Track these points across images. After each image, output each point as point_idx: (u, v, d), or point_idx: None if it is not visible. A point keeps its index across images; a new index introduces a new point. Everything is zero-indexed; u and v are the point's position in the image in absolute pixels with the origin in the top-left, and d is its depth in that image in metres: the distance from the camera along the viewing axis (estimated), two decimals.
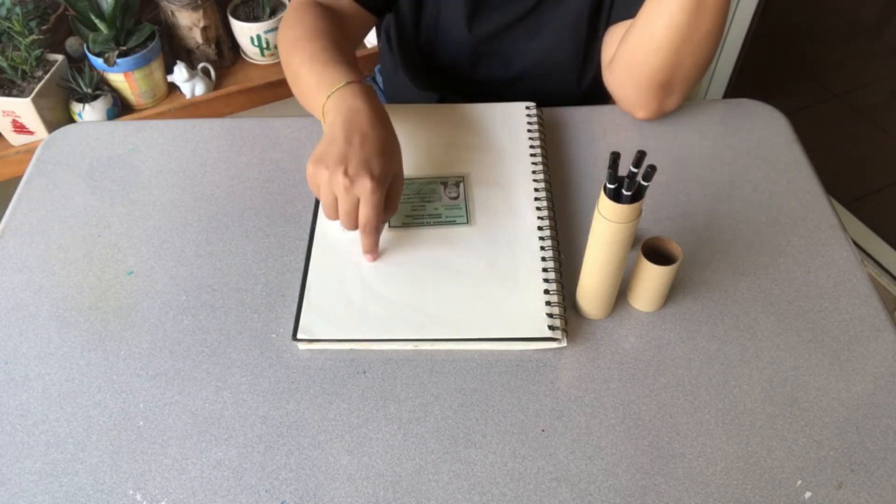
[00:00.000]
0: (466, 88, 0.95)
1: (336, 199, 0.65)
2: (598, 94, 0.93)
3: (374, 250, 0.69)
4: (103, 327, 0.67)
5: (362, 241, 0.68)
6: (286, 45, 0.78)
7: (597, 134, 0.84)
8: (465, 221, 0.73)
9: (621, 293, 0.68)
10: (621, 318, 0.67)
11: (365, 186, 0.63)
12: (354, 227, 0.66)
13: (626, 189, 0.55)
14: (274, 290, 0.69)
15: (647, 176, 0.54)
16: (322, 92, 0.70)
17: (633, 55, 0.77)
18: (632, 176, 0.55)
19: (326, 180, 0.64)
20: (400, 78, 0.99)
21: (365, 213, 0.65)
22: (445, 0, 0.87)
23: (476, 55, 0.91)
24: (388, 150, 0.67)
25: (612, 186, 0.55)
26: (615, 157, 0.55)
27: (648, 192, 0.76)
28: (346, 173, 0.63)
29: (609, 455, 0.58)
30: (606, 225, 0.57)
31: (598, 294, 0.64)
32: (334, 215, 0.66)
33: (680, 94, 0.81)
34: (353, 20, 0.84)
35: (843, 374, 0.63)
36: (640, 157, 0.55)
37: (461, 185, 0.76)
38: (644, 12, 0.75)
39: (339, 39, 0.77)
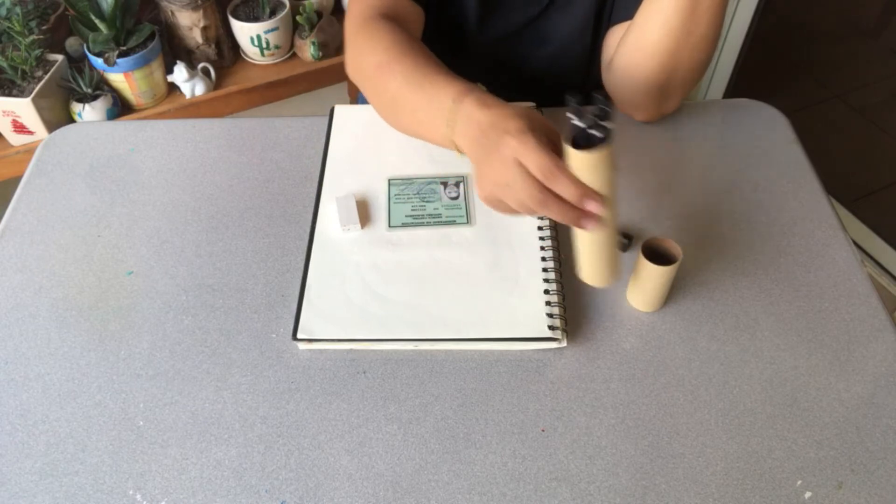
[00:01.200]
0: None
1: (522, 193, 0.56)
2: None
3: (588, 194, 0.55)
4: (103, 327, 0.67)
5: (566, 191, 0.55)
6: (371, 71, 0.72)
7: None
8: (466, 221, 0.73)
9: (622, 293, 0.68)
10: (621, 318, 0.67)
11: (510, 143, 0.56)
12: (546, 193, 0.55)
13: (589, 128, 0.52)
14: (274, 290, 0.69)
15: (606, 115, 0.51)
16: (441, 123, 0.65)
17: (629, 58, 0.77)
18: (588, 119, 0.52)
19: (492, 183, 0.58)
20: None
21: (531, 160, 0.55)
22: (455, 4, 0.86)
23: (485, 62, 0.91)
24: (519, 112, 0.60)
25: (573, 133, 0.52)
26: (577, 102, 0.52)
27: (648, 192, 0.76)
28: (496, 156, 0.57)
29: (609, 455, 0.58)
30: (581, 177, 0.54)
31: (593, 257, 0.60)
32: (540, 206, 0.56)
33: (678, 97, 0.81)
34: (414, 22, 0.80)
35: (843, 374, 0.63)
36: (587, 98, 0.52)
37: (461, 185, 0.76)
38: (640, 16, 0.74)
39: (423, 50, 0.72)
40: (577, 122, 0.52)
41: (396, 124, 0.75)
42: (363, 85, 0.76)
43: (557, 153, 0.56)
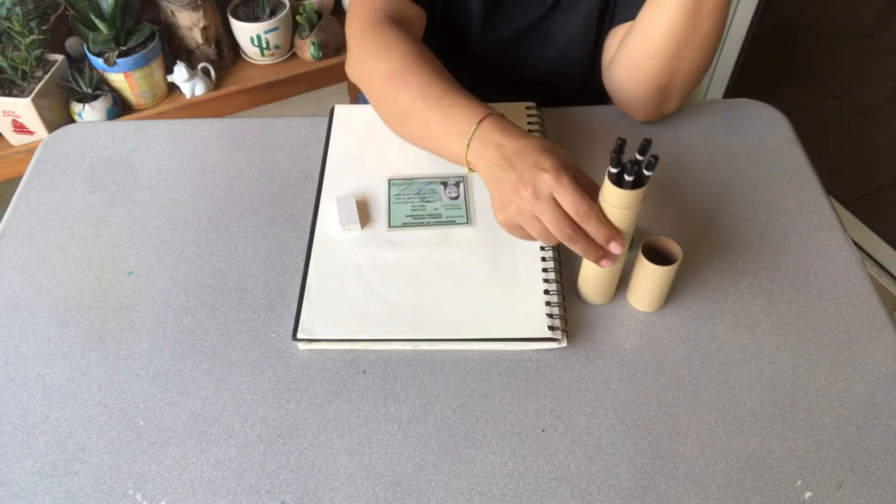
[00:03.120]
0: (469, 92, 0.95)
1: (542, 222, 0.61)
2: (599, 95, 0.93)
3: (614, 237, 0.59)
4: (103, 327, 0.67)
5: (597, 232, 0.59)
6: (381, 79, 0.72)
7: (597, 134, 0.84)
8: (466, 221, 0.73)
9: (622, 293, 0.68)
10: (621, 318, 0.67)
11: (546, 180, 0.59)
12: (576, 230, 0.60)
13: (629, 174, 0.56)
14: (274, 290, 0.69)
15: (651, 165, 0.55)
16: (456, 140, 0.66)
17: (631, 59, 0.77)
18: (635, 163, 0.56)
19: (517, 211, 0.61)
20: None
21: (567, 199, 0.59)
22: (458, 6, 0.86)
23: (487, 63, 0.91)
24: (546, 146, 0.63)
25: (614, 171, 0.57)
26: (621, 143, 0.56)
27: (649, 192, 0.76)
28: (526, 188, 0.60)
29: (609, 455, 0.58)
30: (609, 210, 0.58)
31: (599, 279, 0.65)
32: (555, 237, 0.61)
33: (678, 98, 0.81)
34: (416, 23, 0.80)
35: (843, 374, 0.63)
36: (646, 145, 0.56)
37: (461, 184, 0.76)
38: (642, 17, 0.74)
39: (436, 62, 0.72)
40: (620, 158, 0.56)
41: (402, 132, 0.75)
42: (370, 90, 0.75)
43: (583, 188, 0.60)
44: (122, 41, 1.42)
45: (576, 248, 0.60)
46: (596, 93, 0.93)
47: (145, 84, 1.48)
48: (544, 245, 0.70)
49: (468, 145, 0.66)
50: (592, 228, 0.59)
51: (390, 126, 0.76)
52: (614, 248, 0.60)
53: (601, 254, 0.60)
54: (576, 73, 0.91)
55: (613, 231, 0.59)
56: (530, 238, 0.64)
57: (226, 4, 1.56)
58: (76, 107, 1.43)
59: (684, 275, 0.70)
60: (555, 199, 0.60)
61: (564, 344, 0.64)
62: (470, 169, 0.68)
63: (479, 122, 0.65)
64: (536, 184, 0.60)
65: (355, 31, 0.76)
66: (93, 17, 1.36)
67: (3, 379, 0.63)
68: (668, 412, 0.60)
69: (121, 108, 1.50)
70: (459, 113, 0.67)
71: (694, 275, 0.70)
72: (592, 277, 0.65)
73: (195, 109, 1.54)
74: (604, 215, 0.59)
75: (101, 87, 1.45)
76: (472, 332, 0.64)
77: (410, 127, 0.72)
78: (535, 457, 0.58)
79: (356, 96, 1.16)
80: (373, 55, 0.73)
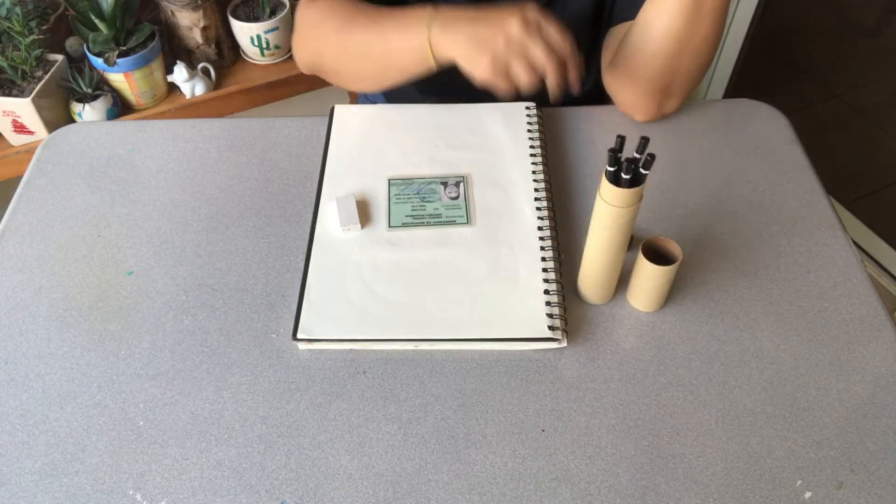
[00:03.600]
0: (468, 93, 0.95)
1: (532, 53, 0.63)
2: (599, 95, 0.93)
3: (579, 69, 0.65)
4: (103, 327, 0.67)
5: (567, 72, 0.65)
6: (330, 35, 0.75)
7: (597, 134, 0.84)
8: (465, 221, 0.73)
9: (622, 293, 0.68)
10: (621, 318, 0.67)
11: (532, 8, 0.63)
12: (541, 72, 0.63)
13: (625, 173, 0.56)
14: (274, 290, 0.69)
15: (647, 164, 0.56)
16: (416, 34, 0.68)
17: (631, 59, 0.77)
18: (632, 161, 0.56)
19: (506, 44, 0.62)
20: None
21: (554, 27, 0.64)
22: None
23: None
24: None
25: (612, 169, 0.57)
26: (621, 141, 0.56)
27: (649, 192, 0.76)
28: (512, 19, 0.62)
29: (609, 455, 0.58)
30: (607, 209, 0.58)
31: (599, 278, 0.65)
32: (543, 70, 0.63)
33: (679, 98, 0.81)
34: None
35: (843, 374, 0.63)
36: (643, 143, 0.56)
37: (461, 185, 0.76)
38: (642, 17, 0.74)
39: (383, 6, 0.74)
40: (618, 156, 0.57)
41: (366, 67, 0.76)
42: (324, 53, 0.78)
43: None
44: (122, 41, 1.42)
45: (559, 75, 0.63)
46: (594, 92, 0.93)
47: (145, 84, 1.48)
48: (544, 247, 0.70)
49: (430, 28, 0.66)
50: (573, 61, 0.64)
51: (353, 72, 0.77)
52: (577, 88, 0.66)
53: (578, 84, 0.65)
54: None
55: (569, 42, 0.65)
56: (510, 88, 0.64)
57: (226, 4, 1.56)
58: (76, 107, 1.43)
59: (684, 275, 0.70)
60: (541, 29, 0.63)
61: (564, 344, 0.64)
62: (435, 58, 0.68)
63: (435, 9, 0.67)
64: (525, 12, 0.62)
65: (298, 11, 0.79)
66: (93, 17, 1.36)
67: (3, 379, 0.63)
68: (668, 412, 0.60)
69: (121, 108, 1.50)
70: (412, 13, 0.69)
71: (694, 275, 0.70)
72: (592, 277, 0.65)
73: (195, 109, 1.54)
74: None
75: (101, 87, 1.45)
76: (472, 332, 0.64)
77: (371, 56, 0.73)
78: (535, 457, 0.58)
79: (356, 96, 1.16)
80: (314, 24, 0.77)
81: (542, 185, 0.75)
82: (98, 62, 1.42)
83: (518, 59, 0.63)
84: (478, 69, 0.64)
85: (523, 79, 0.64)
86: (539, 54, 0.63)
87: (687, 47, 0.73)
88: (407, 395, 0.62)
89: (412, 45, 0.68)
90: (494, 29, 0.63)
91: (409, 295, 0.67)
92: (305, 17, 0.79)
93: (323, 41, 0.77)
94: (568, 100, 0.88)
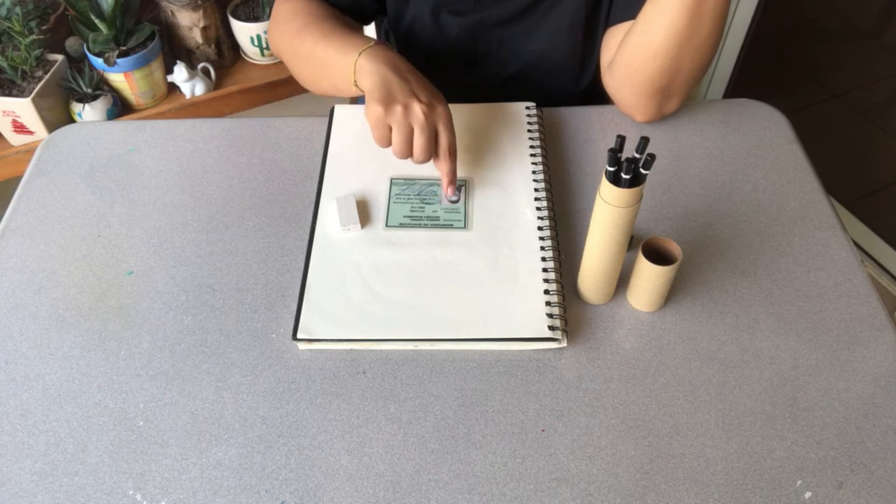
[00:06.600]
0: (464, 90, 0.95)
1: (411, 133, 0.68)
2: (596, 95, 0.93)
3: (455, 178, 0.72)
4: (103, 327, 0.67)
5: (446, 170, 0.71)
6: (289, 35, 0.80)
7: (597, 134, 0.84)
8: (463, 226, 0.73)
9: (622, 293, 0.68)
10: (621, 318, 0.67)
11: (442, 113, 0.69)
12: (428, 157, 0.70)
13: (625, 173, 0.56)
14: (274, 290, 0.69)
15: (647, 164, 0.56)
16: (348, 55, 0.73)
17: (631, 60, 0.77)
18: (632, 161, 0.56)
19: (401, 114, 0.67)
20: None
21: (447, 137, 0.70)
22: None
23: (473, 56, 0.91)
24: (435, 88, 0.72)
25: (612, 169, 0.57)
26: (621, 141, 0.57)
27: (649, 192, 0.76)
28: (420, 102, 0.68)
29: (609, 455, 0.58)
30: (607, 209, 0.58)
31: (599, 278, 0.65)
32: (408, 151, 0.69)
33: (679, 98, 0.81)
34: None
35: (843, 374, 0.63)
36: (644, 143, 0.56)
37: (463, 189, 0.76)
38: (642, 17, 0.74)
39: (341, 18, 0.81)
40: (618, 156, 0.57)
41: (309, 75, 0.80)
42: (282, 47, 0.83)
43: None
44: (122, 41, 1.42)
45: (423, 162, 0.70)
46: (591, 92, 0.93)
47: (145, 84, 1.48)
48: (544, 247, 0.70)
49: (360, 54, 0.72)
50: (447, 167, 0.71)
51: (302, 78, 0.82)
52: (450, 192, 0.72)
53: (450, 181, 0.71)
54: (563, 69, 0.91)
55: (455, 177, 0.72)
56: (385, 141, 0.69)
57: (226, 4, 1.56)
58: (76, 107, 1.43)
59: (684, 275, 0.70)
60: (434, 127, 0.69)
61: (564, 344, 0.64)
62: (356, 82, 0.72)
63: (375, 43, 0.73)
64: (433, 107, 0.68)
65: (275, 11, 0.86)
66: (93, 17, 1.36)
67: (3, 379, 0.63)
68: (668, 412, 0.60)
69: (121, 108, 1.50)
70: (357, 40, 0.74)
71: (694, 275, 0.70)
72: (592, 277, 0.65)
73: (195, 109, 1.54)
74: (455, 159, 0.71)
75: (101, 87, 1.45)
76: (472, 332, 0.64)
77: (312, 66, 0.79)
78: (535, 457, 0.58)
79: (356, 97, 1.16)
80: (280, 21, 0.83)
81: (542, 185, 0.75)
82: (98, 62, 1.42)
83: (402, 128, 0.68)
84: (370, 108, 0.68)
85: (396, 144, 0.69)
86: (420, 142, 0.68)
87: (688, 47, 0.73)
88: (407, 395, 0.62)
89: (343, 64, 0.73)
90: (406, 91, 0.68)
91: (410, 295, 0.67)
92: (277, 13, 0.85)
93: (288, 38, 0.82)
94: (566, 100, 0.88)
